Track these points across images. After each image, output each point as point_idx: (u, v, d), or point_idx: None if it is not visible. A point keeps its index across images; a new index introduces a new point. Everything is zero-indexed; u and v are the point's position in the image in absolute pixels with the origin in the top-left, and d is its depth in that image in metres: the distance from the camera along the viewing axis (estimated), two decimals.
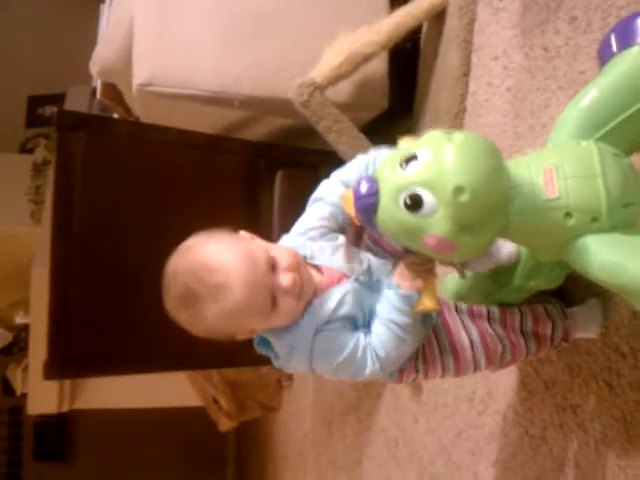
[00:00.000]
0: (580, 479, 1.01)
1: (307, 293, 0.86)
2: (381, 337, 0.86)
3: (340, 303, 0.87)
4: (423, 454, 1.57)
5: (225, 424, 2.95)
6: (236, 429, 3.23)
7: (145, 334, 1.63)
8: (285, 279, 0.84)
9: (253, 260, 0.83)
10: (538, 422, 1.12)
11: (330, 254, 0.91)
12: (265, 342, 0.90)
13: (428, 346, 0.92)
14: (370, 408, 1.90)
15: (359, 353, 0.85)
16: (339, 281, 0.89)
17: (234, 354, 1.74)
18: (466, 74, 1.41)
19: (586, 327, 0.99)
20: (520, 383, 1.17)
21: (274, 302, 0.83)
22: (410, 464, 1.64)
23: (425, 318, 0.90)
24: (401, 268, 0.87)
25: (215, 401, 2.90)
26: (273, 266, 0.84)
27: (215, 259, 0.83)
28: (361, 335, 0.87)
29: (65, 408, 3.51)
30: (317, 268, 0.91)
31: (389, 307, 0.86)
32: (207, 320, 0.83)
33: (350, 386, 2.07)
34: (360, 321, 0.88)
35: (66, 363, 1.60)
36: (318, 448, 2.40)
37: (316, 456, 2.42)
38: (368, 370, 0.86)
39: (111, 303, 1.62)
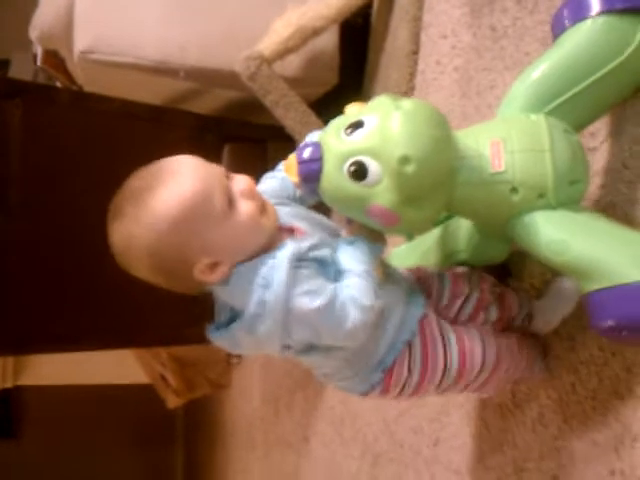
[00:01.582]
0: (518, 459, 1.02)
1: (271, 214, 0.78)
2: (359, 287, 0.75)
3: (314, 246, 0.77)
4: (367, 432, 1.57)
5: (173, 401, 2.93)
6: (185, 406, 3.21)
7: (88, 310, 1.60)
8: (242, 180, 0.76)
9: (207, 164, 0.76)
10: (478, 403, 1.13)
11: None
12: (221, 326, 0.78)
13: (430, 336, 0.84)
14: (317, 386, 1.90)
15: (338, 301, 0.73)
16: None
17: (182, 330, 1.72)
18: (415, 52, 1.39)
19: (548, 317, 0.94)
20: None
21: (231, 203, 0.74)
22: (355, 442, 1.64)
23: None
24: (351, 230, 0.82)
25: (163, 378, 2.87)
26: (228, 177, 0.77)
27: (167, 161, 0.76)
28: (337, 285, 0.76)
29: (9, 384, 3.44)
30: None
31: (363, 259, 0.77)
32: (155, 221, 0.71)
33: (297, 364, 2.06)
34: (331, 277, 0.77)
35: (5, 339, 1.55)
36: (266, 425, 2.40)
37: (264, 433, 2.42)
38: (350, 321, 0.73)
39: (52, 278, 1.58)
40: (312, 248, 0.77)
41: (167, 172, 0.74)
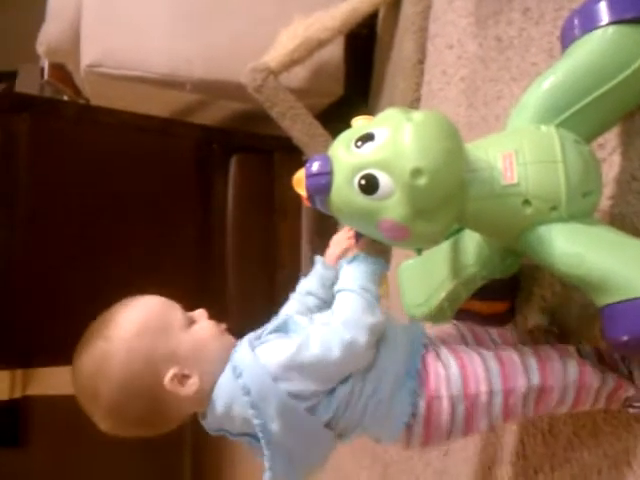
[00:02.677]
0: (528, 470, 1.02)
1: (228, 336, 0.78)
2: (352, 306, 0.74)
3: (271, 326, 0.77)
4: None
5: None
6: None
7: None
8: (202, 311, 0.80)
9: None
10: None
11: None
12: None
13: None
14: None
15: (312, 335, 0.72)
16: None
17: None
18: (421, 62, 1.39)
19: None
20: None
21: (191, 321, 0.77)
22: (364, 452, 1.64)
23: None
24: (359, 246, 0.82)
25: None
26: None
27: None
28: (311, 326, 0.74)
29: (17, 394, 3.44)
30: None
31: (359, 276, 0.77)
32: (122, 334, 0.73)
33: None
34: (300, 326, 0.76)
35: (11, 353, 1.56)
36: None
37: None
38: (336, 343, 0.71)
39: (59, 291, 1.58)
40: (267, 327, 0.77)
41: (126, 303, 0.78)
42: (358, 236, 0.82)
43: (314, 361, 0.71)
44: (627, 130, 0.86)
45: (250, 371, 0.71)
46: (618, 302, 0.69)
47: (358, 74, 1.69)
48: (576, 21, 0.81)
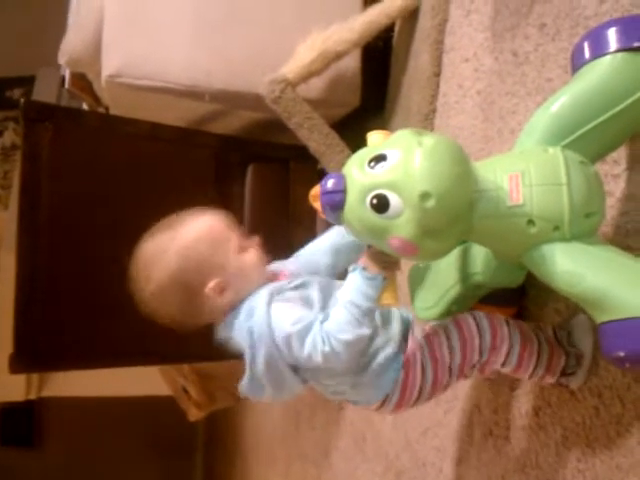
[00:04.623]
0: None
1: (265, 268, 0.91)
2: (339, 319, 0.82)
3: (294, 276, 0.90)
4: (389, 449, 1.59)
5: (194, 414, 2.95)
6: (206, 419, 3.23)
7: (114, 328, 1.62)
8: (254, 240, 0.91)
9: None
10: (502, 423, 1.14)
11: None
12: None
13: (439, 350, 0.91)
14: (338, 402, 1.92)
15: (310, 334, 0.81)
16: None
17: (203, 348, 1.74)
18: (437, 74, 1.41)
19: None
20: (485, 384, 1.18)
21: (242, 247, 0.89)
22: (377, 458, 1.66)
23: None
24: (367, 255, 0.86)
25: (185, 391, 2.89)
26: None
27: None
28: (318, 318, 0.83)
29: (33, 395, 3.48)
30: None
31: (352, 290, 0.83)
32: (187, 234, 0.87)
33: None
34: (315, 299, 0.87)
35: (32, 357, 1.58)
36: (287, 440, 2.41)
37: (284, 447, 2.43)
38: (319, 351, 0.80)
39: (79, 295, 1.61)
40: (290, 282, 0.88)
41: (197, 212, 0.90)
42: (371, 249, 0.86)
43: (303, 356, 0.82)
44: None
45: (258, 320, 0.84)
46: (615, 320, 0.73)
47: (374, 85, 1.71)
48: (586, 45, 0.84)
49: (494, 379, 1.12)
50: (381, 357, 0.89)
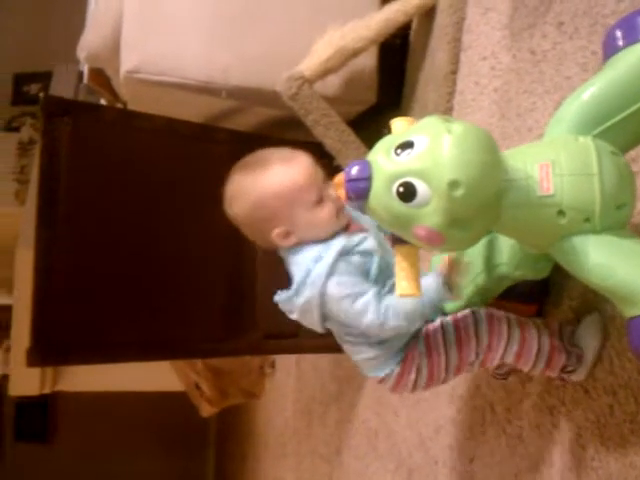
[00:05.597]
0: (555, 478, 1.03)
1: (343, 219, 0.95)
2: (405, 304, 0.89)
3: (363, 239, 0.93)
4: (402, 447, 1.59)
5: (207, 410, 2.97)
6: (218, 415, 3.25)
7: (129, 323, 1.63)
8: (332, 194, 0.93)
9: (316, 166, 0.95)
10: (515, 421, 1.14)
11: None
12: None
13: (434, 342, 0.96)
14: (351, 399, 1.92)
15: (366, 296, 0.90)
16: None
17: (216, 344, 1.75)
18: (454, 72, 1.41)
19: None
20: (499, 383, 1.18)
21: (319, 201, 0.92)
22: (389, 456, 1.66)
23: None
24: (455, 272, 0.92)
25: (197, 387, 2.91)
26: (325, 181, 0.95)
27: (295, 151, 0.95)
28: (372, 288, 0.91)
29: (47, 390, 3.50)
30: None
31: (430, 290, 0.90)
32: (266, 187, 0.91)
33: (332, 376, 2.08)
34: (373, 272, 0.93)
35: (49, 350, 1.59)
36: (298, 436, 2.42)
37: (296, 444, 2.44)
38: (367, 319, 0.90)
39: (96, 290, 1.62)
40: (360, 243, 0.92)
41: (288, 156, 0.94)
42: (395, 238, 0.84)
43: (351, 312, 0.91)
44: None
45: (319, 270, 0.91)
46: None
47: (391, 83, 1.71)
48: (619, 32, 0.81)
49: (506, 375, 1.12)
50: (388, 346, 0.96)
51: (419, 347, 0.96)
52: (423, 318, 0.93)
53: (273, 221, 0.93)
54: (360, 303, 0.90)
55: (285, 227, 0.93)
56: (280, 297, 0.96)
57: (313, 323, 0.95)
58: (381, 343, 0.95)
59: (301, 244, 0.94)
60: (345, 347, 1.00)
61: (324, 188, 0.93)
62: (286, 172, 0.92)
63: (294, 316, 0.96)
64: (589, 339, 0.95)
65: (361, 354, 0.98)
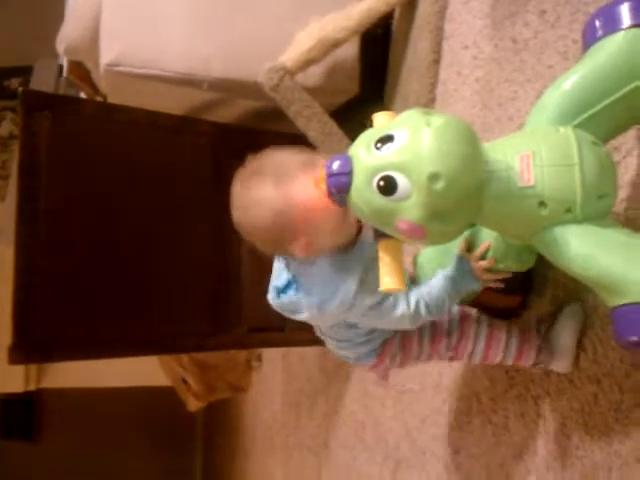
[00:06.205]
0: (540, 467, 1.04)
1: (356, 225, 0.92)
2: (438, 295, 0.92)
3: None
4: (389, 438, 1.59)
5: (194, 404, 2.96)
6: (205, 409, 3.23)
7: (113, 318, 1.62)
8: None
9: None
10: (501, 411, 1.14)
11: None
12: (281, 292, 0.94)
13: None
14: (338, 391, 1.92)
15: (391, 301, 0.91)
16: None
17: (202, 338, 1.74)
18: (437, 61, 1.40)
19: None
20: (484, 373, 1.18)
21: (345, 212, 0.87)
22: (377, 448, 1.66)
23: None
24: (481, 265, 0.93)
25: (184, 381, 2.90)
26: None
27: (314, 156, 0.88)
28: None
29: (32, 387, 3.49)
30: None
31: (456, 277, 0.93)
32: (294, 199, 0.84)
33: (319, 369, 2.08)
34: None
35: (32, 347, 1.57)
36: (286, 429, 2.42)
37: (284, 437, 2.44)
38: (400, 311, 0.91)
39: (79, 286, 1.60)
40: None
41: (310, 162, 0.86)
42: (377, 233, 0.84)
43: (381, 316, 0.93)
44: None
45: (347, 288, 0.90)
46: (629, 304, 0.71)
47: (373, 73, 1.70)
48: (598, 22, 0.81)
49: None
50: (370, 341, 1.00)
51: (396, 341, 1.00)
52: (452, 305, 0.95)
53: (295, 232, 0.87)
54: (389, 305, 0.91)
55: (307, 237, 0.88)
56: (280, 301, 0.94)
57: (322, 324, 0.98)
58: (364, 343, 0.99)
59: (318, 254, 0.90)
60: (327, 342, 1.02)
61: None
62: (308, 187, 0.84)
63: (300, 317, 0.94)
64: (566, 333, 0.97)
65: (343, 350, 1.01)
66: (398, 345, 1.00)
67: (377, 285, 0.87)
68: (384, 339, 0.99)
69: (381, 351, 1.00)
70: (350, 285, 0.89)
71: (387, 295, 0.90)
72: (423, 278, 1.01)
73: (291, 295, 0.93)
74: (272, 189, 0.85)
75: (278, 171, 0.86)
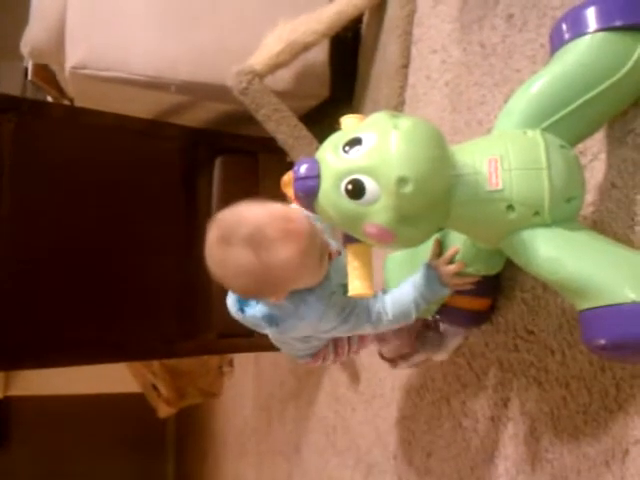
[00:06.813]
0: (510, 470, 1.04)
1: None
2: (402, 302, 0.95)
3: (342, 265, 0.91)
4: (360, 443, 1.58)
5: (164, 410, 2.93)
6: (176, 415, 3.21)
7: (81, 324, 1.59)
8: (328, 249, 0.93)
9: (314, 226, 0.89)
10: (471, 414, 1.14)
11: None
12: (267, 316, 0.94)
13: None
14: (309, 396, 1.91)
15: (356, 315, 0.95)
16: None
17: (171, 344, 1.73)
18: (405, 66, 1.40)
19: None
20: (454, 376, 1.18)
21: (321, 256, 0.88)
22: (348, 452, 1.65)
23: None
24: (448, 270, 0.93)
25: (154, 387, 2.87)
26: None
27: (287, 211, 0.87)
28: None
29: None
30: None
31: (423, 285, 0.93)
32: (274, 264, 0.83)
33: (291, 373, 2.07)
34: None
35: None
36: (258, 435, 2.40)
37: (256, 443, 2.42)
38: (364, 318, 0.95)
39: (44, 291, 1.57)
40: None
41: (286, 228, 0.84)
42: (346, 237, 0.83)
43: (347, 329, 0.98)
44: (607, 138, 0.88)
45: (326, 324, 0.96)
46: (597, 307, 0.71)
47: (343, 77, 1.69)
48: (565, 26, 0.82)
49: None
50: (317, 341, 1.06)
51: (330, 347, 1.09)
52: (419, 311, 0.96)
53: (274, 288, 0.89)
54: (354, 315, 0.94)
55: (286, 290, 0.90)
56: (252, 315, 0.95)
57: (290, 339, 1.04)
58: (304, 349, 1.08)
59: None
60: (279, 345, 1.09)
61: (323, 242, 0.90)
62: (290, 249, 0.83)
63: (267, 332, 0.97)
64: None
65: (291, 351, 1.10)
66: (331, 349, 1.09)
67: (343, 305, 0.91)
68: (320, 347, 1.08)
69: (316, 353, 1.09)
70: (329, 324, 0.94)
71: (353, 307, 0.92)
72: (392, 282, 1.01)
73: (254, 309, 0.95)
74: (252, 257, 0.83)
75: (255, 238, 0.83)
